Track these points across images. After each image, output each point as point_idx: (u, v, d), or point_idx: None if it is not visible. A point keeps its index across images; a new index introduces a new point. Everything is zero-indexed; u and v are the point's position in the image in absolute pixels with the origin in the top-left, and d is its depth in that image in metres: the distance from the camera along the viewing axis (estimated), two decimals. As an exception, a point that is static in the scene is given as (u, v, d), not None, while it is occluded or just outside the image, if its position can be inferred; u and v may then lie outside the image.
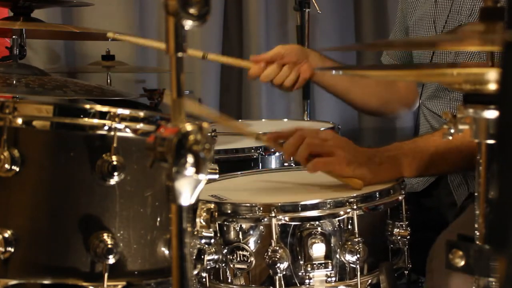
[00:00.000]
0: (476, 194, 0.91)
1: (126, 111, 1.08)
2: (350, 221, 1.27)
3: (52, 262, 1.08)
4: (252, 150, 1.88)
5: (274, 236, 1.24)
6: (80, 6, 2.69)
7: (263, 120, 2.89)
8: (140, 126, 1.08)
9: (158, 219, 1.10)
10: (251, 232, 1.29)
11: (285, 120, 2.71)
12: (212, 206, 1.18)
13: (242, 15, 3.28)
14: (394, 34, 2.03)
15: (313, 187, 1.47)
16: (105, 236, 1.06)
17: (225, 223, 1.29)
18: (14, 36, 2.05)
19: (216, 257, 1.28)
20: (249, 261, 1.28)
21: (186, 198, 0.80)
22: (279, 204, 1.26)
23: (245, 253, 1.28)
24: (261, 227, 1.28)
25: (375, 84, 1.97)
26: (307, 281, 1.25)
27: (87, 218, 1.06)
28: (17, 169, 1.06)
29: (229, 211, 1.29)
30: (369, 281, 1.31)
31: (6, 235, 1.05)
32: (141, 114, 1.09)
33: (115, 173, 1.05)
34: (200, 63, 3.18)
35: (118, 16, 2.98)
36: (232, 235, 1.30)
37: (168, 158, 0.79)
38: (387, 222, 1.37)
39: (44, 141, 1.10)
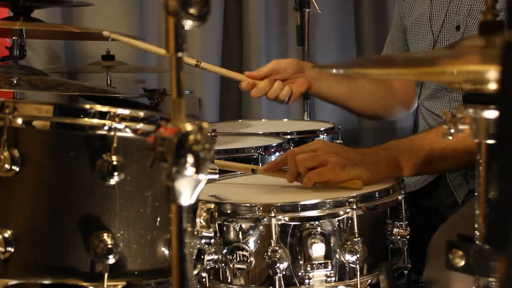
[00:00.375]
0: (476, 194, 0.91)
1: (126, 111, 1.07)
2: (350, 221, 1.27)
3: (52, 262, 1.08)
4: (252, 150, 1.88)
5: (274, 236, 1.24)
6: (80, 6, 2.69)
7: (263, 120, 2.89)
8: (140, 126, 1.08)
9: (158, 219, 1.10)
10: (251, 232, 1.29)
11: (285, 120, 2.71)
12: (212, 206, 1.18)
13: (242, 15, 3.28)
14: (391, 35, 2.03)
15: (312, 187, 1.47)
16: (105, 236, 1.06)
17: (225, 223, 1.29)
18: (14, 36, 2.05)
19: (216, 257, 1.28)
20: (249, 261, 1.28)
21: (186, 198, 0.80)
22: (279, 204, 1.26)
23: (245, 253, 1.28)
24: (261, 227, 1.28)
25: (374, 89, 1.97)
26: (306, 281, 1.25)
27: (87, 218, 1.06)
28: (17, 169, 1.06)
29: (229, 211, 1.30)
30: (369, 281, 1.31)
31: (6, 235, 1.05)
32: (141, 114, 1.09)
33: (115, 173, 1.05)
34: (200, 63, 3.18)
35: (118, 16, 2.98)
36: (232, 235, 1.30)
37: (168, 158, 0.79)
38: (386, 222, 1.37)
39: (44, 141, 1.10)
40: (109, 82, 2.82)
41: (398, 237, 1.35)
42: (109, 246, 1.05)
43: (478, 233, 0.90)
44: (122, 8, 2.99)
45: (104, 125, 1.06)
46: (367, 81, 1.95)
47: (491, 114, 0.86)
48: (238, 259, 1.28)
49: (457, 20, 1.73)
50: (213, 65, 1.89)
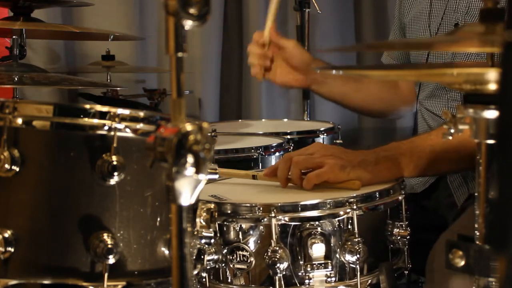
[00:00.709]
0: (476, 194, 0.91)
1: (126, 111, 1.07)
2: (350, 221, 1.27)
3: (52, 262, 1.08)
4: (252, 150, 1.88)
5: (274, 236, 1.24)
6: (80, 6, 2.69)
7: (263, 120, 2.89)
8: (140, 126, 1.08)
9: (158, 219, 1.10)
10: (251, 232, 1.29)
11: (285, 120, 2.71)
12: (212, 206, 1.18)
13: (242, 15, 3.28)
14: (394, 32, 2.03)
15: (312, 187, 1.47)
16: (105, 236, 1.06)
17: (225, 223, 1.29)
18: (14, 36, 2.05)
19: (216, 257, 1.28)
20: (249, 261, 1.28)
21: (186, 198, 0.80)
22: (279, 204, 1.26)
23: (245, 253, 1.28)
24: (261, 227, 1.28)
25: (378, 87, 1.97)
26: (307, 281, 1.25)
27: (87, 218, 1.06)
28: (17, 169, 1.06)
29: (229, 211, 1.29)
30: (369, 281, 1.31)
31: (6, 235, 1.05)
32: (141, 114, 1.09)
33: (115, 173, 1.05)
34: (200, 63, 3.18)
35: (118, 16, 2.98)
36: (232, 235, 1.30)
37: (168, 158, 0.79)
38: (387, 222, 1.37)
39: (44, 141, 1.10)
40: (109, 82, 2.82)
41: (398, 237, 1.35)
42: (109, 246, 1.05)
43: (478, 233, 0.90)
44: (122, 8, 2.99)
45: (104, 125, 1.06)
46: (371, 80, 1.95)
47: (491, 114, 0.86)
48: (238, 259, 1.28)
49: (456, 17, 1.73)
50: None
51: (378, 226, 1.37)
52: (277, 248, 1.23)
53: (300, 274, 1.26)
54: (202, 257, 1.18)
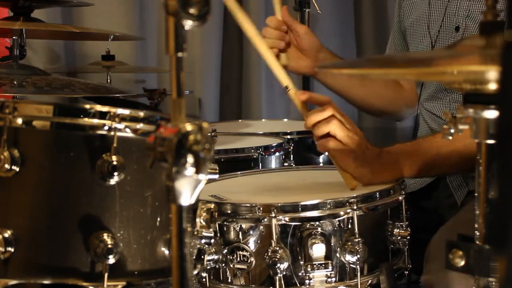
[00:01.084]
0: (476, 194, 0.91)
1: (126, 111, 1.07)
2: (350, 221, 1.27)
3: (52, 262, 1.08)
4: (252, 150, 1.88)
5: (274, 236, 1.24)
6: (80, 6, 2.69)
7: (263, 120, 2.89)
8: (140, 126, 1.08)
9: (158, 219, 1.10)
10: (251, 232, 1.29)
11: (285, 120, 2.71)
12: (212, 206, 1.18)
13: (242, 15, 3.28)
14: (393, 36, 2.02)
15: (313, 187, 1.47)
16: (105, 236, 1.06)
17: (225, 223, 1.29)
18: (14, 36, 2.05)
19: (216, 257, 1.28)
20: (249, 261, 1.28)
21: (186, 198, 0.80)
22: (279, 204, 1.26)
23: (245, 253, 1.28)
24: (261, 227, 1.28)
25: (382, 85, 1.96)
26: (307, 281, 1.25)
27: (87, 218, 1.06)
28: (17, 169, 1.06)
29: (229, 211, 1.29)
30: (369, 281, 1.31)
31: (6, 235, 1.05)
32: (141, 114, 1.09)
33: (115, 173, 1.05)
34: (200, 63, 3.18)
35: (118, 16, 2.98)
36: (232, 235, 1.30)
37: (168, 158, 0.79)
38: (387, 222, 1.37)
39: (44, 141, 1.10)
40: (109, 82, 2.82)
41: (399, 238, 1.35)
42: (109, 246, 1.05)
43: (478, 233, 0.89)
44: (122, 8, 2.99)
45: (104, 125, 1.06)
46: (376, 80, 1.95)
47: (491, 114, 0.86)
48: (238, 259, 1.28)
49: (456, 21, 1.72)
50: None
51: (378, 226, 1.36)
52: (278, 248, 1.23)
53: (300, 274, 1.26)
54: (202, 257, 1.18)
